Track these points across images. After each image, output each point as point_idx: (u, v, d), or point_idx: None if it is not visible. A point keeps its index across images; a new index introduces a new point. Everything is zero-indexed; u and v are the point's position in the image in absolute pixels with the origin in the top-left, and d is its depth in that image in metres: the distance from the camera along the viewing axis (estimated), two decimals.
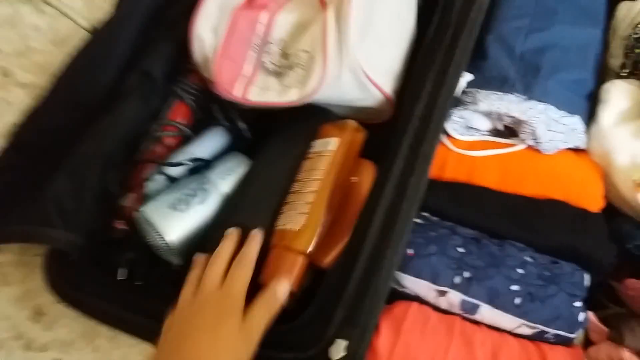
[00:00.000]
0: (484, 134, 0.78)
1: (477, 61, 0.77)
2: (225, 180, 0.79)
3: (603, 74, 0.81)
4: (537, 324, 0.67)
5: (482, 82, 0.76)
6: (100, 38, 0.87)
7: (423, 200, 0.68)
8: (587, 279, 0.69)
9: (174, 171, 0.82)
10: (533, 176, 0.74)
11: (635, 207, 0.72)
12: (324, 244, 0.68)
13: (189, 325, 0.62)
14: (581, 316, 0.67)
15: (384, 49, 0.80)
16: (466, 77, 0.76)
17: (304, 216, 0.69)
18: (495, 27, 0.79)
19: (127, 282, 0.78)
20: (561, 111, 0.74)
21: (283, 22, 0.82)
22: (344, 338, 0.62)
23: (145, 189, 0.80)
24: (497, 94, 0.75)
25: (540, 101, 0.74)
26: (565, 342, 0.68)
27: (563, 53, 0.76)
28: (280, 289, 0.65)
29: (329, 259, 0.68)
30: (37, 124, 0.83)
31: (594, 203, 0.73)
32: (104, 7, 0.92)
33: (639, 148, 0.72)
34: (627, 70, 0.79)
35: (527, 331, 0.68)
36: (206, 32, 0.80)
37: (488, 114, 0.76)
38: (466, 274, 0.68)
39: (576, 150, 0.76)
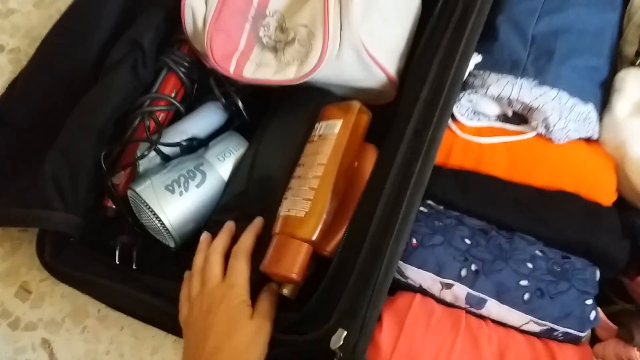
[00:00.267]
0: (492, 120, 0.74)
1: (486, 42, 0.73)
2: (223, 162, 0.78)
3: (616, 61, 0.77)
4: (546, 321, 0.64)
5: (491, 65, 0.72)
6: (86, 5, 0.82)
7: (427, 187, 0.65)
8: (598, 275, 0.66)
9: (167, 149, 0.79)
10: (543, 166, 0.70)
11: None
12: (327, 232, 0.66)
13: (204, 325, 0.64)
14: (592, 314, 0.64)
15: (388, 26, 0.77)
16: (475, 59, 0.72)
17: (308, 203, 0.66)
18: (506, 7, 0.75)
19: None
20: (574, 98, 0.70)
21: None
22: (345, 329, 0.60)
23: (137, 166, 0.78)
24: (507, 78, 0.71)
25: (552, 87, 0.70)
26: (574, 341, 0.65)
27: (578, 37, 0.73)
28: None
29: (331, 246, 0.66)
30: (22, 96, 0.81)
31: (607, 196, 0.70)
32: None
33: None
34: None
35: (535, 328, 0.65)
36: (197, 0, 0.76)
37: (498, 99, 0.72)
38: (473, 267, 0.64)
39: (588, 140, 0.73)
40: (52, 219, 0.72)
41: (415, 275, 0.66)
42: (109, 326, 0.80)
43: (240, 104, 0.81)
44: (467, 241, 0.66)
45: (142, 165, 0.77)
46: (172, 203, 0.74)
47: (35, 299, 0.81)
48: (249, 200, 0.75)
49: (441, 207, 0.71)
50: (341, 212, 0.67)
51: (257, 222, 0.71)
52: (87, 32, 0.81)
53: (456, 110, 0.73)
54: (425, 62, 0.71)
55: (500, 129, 0.73)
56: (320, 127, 0.72)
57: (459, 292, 0.65)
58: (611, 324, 0.66)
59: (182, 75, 0.81)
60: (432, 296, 0.66)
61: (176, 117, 0.83)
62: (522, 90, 0.70)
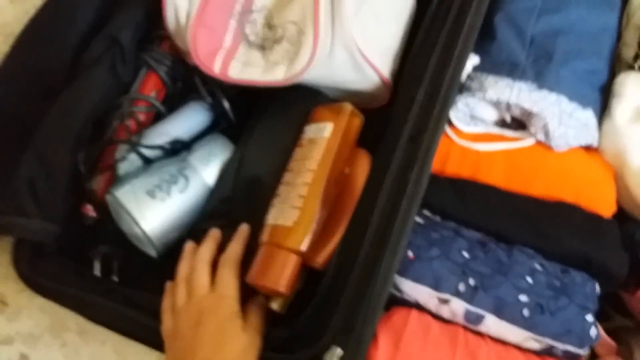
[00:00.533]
0: (489, 125, 0.72)
1: (484, 42, 0.71)
2: (207, 167, 0.74)
3: (614, 64, 0.75)
4: (545, 337, 0.62)
5: (490, 66, 0.70)
6: (62, 0, 0.78)
7: (423, 197, 0.62)
8: (597, 290, 0.64)
9: (149, 152, 0.75)
10: (542, 176, 0.68)
11: None
12: (317, 243, 0.63)
13: (193, 336, 0.61)
14: (593, 331, 0.62)
15: (381, 23, 0.74)
16: (473, 60, 0.70)
17: (296, 211, 0.63)
18: (504, 5, 0.73)
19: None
20: (573, 103, 0.68)
21: None
22: (338, 346, 0.57)
23: (117, 170, 0.74)
24: (506, 81, 0.69)
25: (552, 91, 0.68)
26: (573, 358, 0.63)
27: (577, 39, 0.71)
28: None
29: (322, 258, 0.63)
30: None
31: (606, 207, 0.68)
32: None
33: None
34: None
35: (534, 345, 0.63)
36: None
37: (496, 104, 0.69)
38: (471, 282, 0.62)
39: (587, 148, 0.70)
40: (28, 227, 0.69)
41: (411, 289, 0.64)
42: (89, 341, 0.77)
43: (226, 104, 0.77)
44: (465, 254, 0.64)
45: (123, 168, 0.74)
46: (154, 209, 0.70)
47: (12, 311, 0.78)
48: (235, 207, 0.71)
49: (438, 218, 0.68)
50: (332, 221, 0.64)
51: (244, 230, 0.68)
52: (63, 28, 0.77)
53: (453, 114, 0.71)
54: (421, 61, 0.68)
55: (499, 135, 0.71)
56: (310, 130, 0.69)
57: (457, 307, 0.63)
58: (611, 340, 0.65)
59: (162, 74, 0.77)
60: (429, 312, 0.64)
61: (158, 117, 0.79)
62: (522, 94, 0.68)
